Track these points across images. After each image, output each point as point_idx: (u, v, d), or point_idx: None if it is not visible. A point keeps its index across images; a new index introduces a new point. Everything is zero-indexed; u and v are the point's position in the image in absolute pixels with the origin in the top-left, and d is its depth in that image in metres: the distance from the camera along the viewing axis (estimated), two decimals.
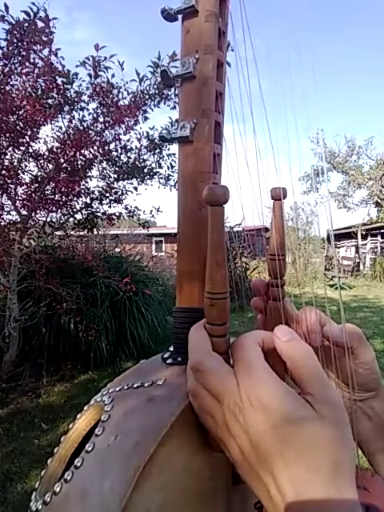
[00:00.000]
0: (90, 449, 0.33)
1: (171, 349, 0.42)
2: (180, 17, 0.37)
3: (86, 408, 0.41)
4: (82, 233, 4.16)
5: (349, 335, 0.37)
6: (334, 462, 0.24)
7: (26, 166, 3.48)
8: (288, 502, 0.24)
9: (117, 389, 0.39)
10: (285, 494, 0.24)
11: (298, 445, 0.25)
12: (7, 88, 2.89)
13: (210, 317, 0.31)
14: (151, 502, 0.30)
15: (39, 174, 3.46)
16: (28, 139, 3.16)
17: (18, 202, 3.32)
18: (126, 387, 0.38)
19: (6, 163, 3.23)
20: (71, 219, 3.97)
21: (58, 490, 0.32)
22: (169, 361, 0.40)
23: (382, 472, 0.37)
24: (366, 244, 14.98)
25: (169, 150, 3.83)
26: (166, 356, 0.41)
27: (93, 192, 3.83)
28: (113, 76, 3.26)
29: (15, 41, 2.69)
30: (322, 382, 0.28)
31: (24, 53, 2.77)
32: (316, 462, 0.24)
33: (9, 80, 2.88)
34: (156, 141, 3.65)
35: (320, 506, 0.23)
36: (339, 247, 17.16)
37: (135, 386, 0.38)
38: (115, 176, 3.81)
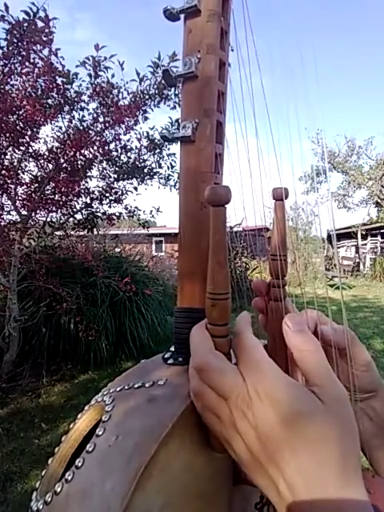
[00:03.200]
0: (91, 449, 0.33)
1: (172, 349, 0.42)
2: (182, 16, 0.37)
3: (86, 408, 0.41)
4: (82, 233, 4.16)
5: (340, 337, 0.36)
6: (343, 454, 0.24)
7: (25, 166, 3.47)
8: (297, 495, 0.24)
9: (118, 389, 0.39)
10: (294, 487, 0.24)
11: (306, 437, 0.25)
12: (7, 88, 2.88)
13: (212, 317, 0.31)
14: (152, 502, 0.30)
15: (39, 174, 3.45)
16: (28, 139, 3.16)
17: (18, 201, 3.31)
18: (126, 387, 0.38)
19: (6, 163, 3.23)
20: (71, 219, 3.96)
21: (59, 490, 0.32)
22: (170, 361, 0.40)
23: (383, 473, 0.37)
24: (365, 244, 14.98)
25: (169, 149, 3.84)
26: (166, 356, 0.41)
27: (93, 192, 3.83)
28: (113, 76, 3.26)
29: (15, 41, 2.68)
30: (328, 375, 0.28)
31: (24, 53, 2.76)
32: (325, 454, 0.24)
33: (9, 80, 2.87)
34: (156, 141, 3.65)
35: (330, 501, 0.23)
36: (339, 247, 17.16)
37: (136, 386, 0.38)
38: (115, 176, 3.81)
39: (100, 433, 0.34)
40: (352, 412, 0.27)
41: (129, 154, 3.78)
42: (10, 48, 2.72)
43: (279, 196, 0.35)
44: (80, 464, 0.32)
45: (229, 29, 0.38)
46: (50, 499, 0.32)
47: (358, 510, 0.23)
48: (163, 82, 0.36)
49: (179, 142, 0.38)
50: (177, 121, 3.38)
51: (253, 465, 0.27)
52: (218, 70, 0.37)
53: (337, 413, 0.26)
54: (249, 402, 0.27)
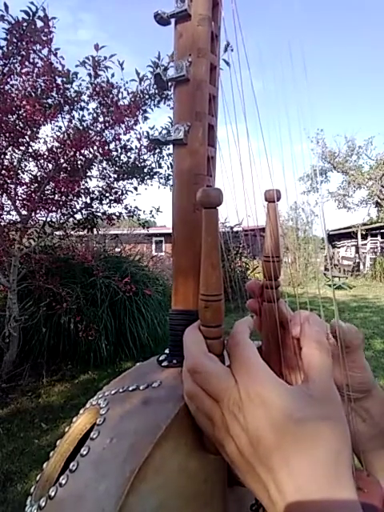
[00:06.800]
0: (85, 452, 0.33)
1: (167, 351, 0.42)
2: (173, 21, 0.37)
3: (81, 411, 0.41)
4: (82, 233, 4.16)
5: (353, 336, 0.37)
6: (335, 457, 0.24)
7: (25, 166, 3.48)
8: (287, 498, 0.24)
9: (112, 392, 0.39)
10: (284, 490, 0.24)
11: (298, 439, 0.25)
12: (7, 88, 2.89)
13: (205, 319, 0.31)
14: (147, 504, 0.30)
15: (39, 173, 3.46)
16: (28, 139, 3.16)
17: (17, 201, 3.32)
18: (121, 390, 0.38)
19: (6, 163, 3.23)
20: (71, 219, 3.97)
21: (53, 494, 0.32)
22: (164, 363, 0.40)
23: (375, 472, 0.37)
24: (366, 244, 14.98)
25: (169, 149, 3.83)
26: (161, 358, 0.41)
27: (93, 192, 3.84)
28: (112, 76, 3.27)
29: (15, 40, 2.68)
30: (328, 377, 0.28)
31: (23, 52, 2.76)
32: (316, 456, 0.24)
33: (9, 80, 2.88)
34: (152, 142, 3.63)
35: (321, 502, 0.23)
36: (339, 247, 17.16)
37: (131, 388, 0.38)
38: (115, 176, 3.81)
39: (94, 436, 0.34)
40: (343, 412, 0.27)
41: (129, 153, 3.78)
42: (10, 48, 2.72)
43: (271, 198, 0.35)
44: (74, 468, 0.32)
45: (219, 32, 0.38)
46: (44, 504, 0.32)
47: (347, 510, 0.23)
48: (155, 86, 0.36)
49: (172, 145, 0.38)
50: None
51: (244, 467, 0.27)
52: (208, 74, 0.37)
53: (328, 413, 0.26)
54: (240, 405, 0.27)
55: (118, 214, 4.03)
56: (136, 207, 4.07)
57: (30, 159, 3.44)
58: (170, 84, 0.37)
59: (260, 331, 0.39)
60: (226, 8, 0.35)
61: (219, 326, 0.31)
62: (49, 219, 3.72)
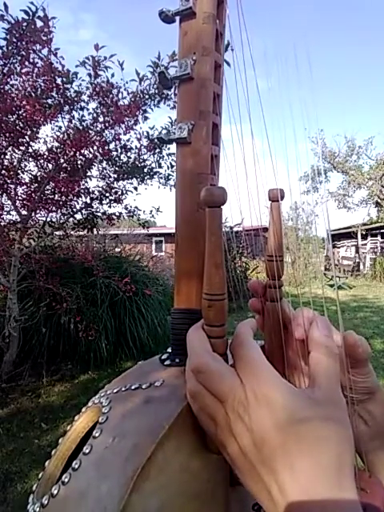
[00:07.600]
0: (87, 451, 0.33)
1: (169, 350, 0.42)
2: (177, 19, 0.37)
3: (83, 410, 0.41)
4: (82, 233, 4.16)
5: (363, 350, 0.37)
6: (338, 459, 0.24)
7: (25, 166, 3.47)
8: (289, 498, 0.24)
9: (114, 390, 0.39)
10: (286, 491, 0.24)
11: (301, 440, 0.25)
12: (7, 88, 2.89)
13: (208, 318, 0.31)
14: (149, 503, 0.30)
15: (39, 173, 3.45)
16: (28, 139, 3.16)
17: (18, 201, 3.31)
18: (123, 389, 0.38)
19: (6, 163, 3.23)
20: (71, 219, 3.96)
21: (55, 492, 0.32)
22: (167, 362, 0.40)
23: (377, 473, 0.37)
24: (366, 244, 14.98)
25: (169, 149, 3.84)
26: (163, 357, 0.41)
27: (93, 192, 3.83)
28: (112, 76, 3.27)
29: (15, 40, 2.68)
30: (335, 382, 0.28)
31: (23, 52, 2.76)
32: (319, 457, 0.24)
33: (9, 80, 2.88)
34: (156, 140, 3.64)
35: (322, 503, 0.23)
36: (339, 247, 17.16)
37: (133, 387, 0.38)
38: (115, 176, 3.81)
39: (97, 434, 0.34)
40: (347, 416, 0.27)
41: (129, 153, 3.78)
42: (10, 48, 2.71)
43: (275, 197, 0.35)
44: (77, 466, 0.32)
45: (224, 31, 0.38)
46: (46, 502, 0.32)
47: (348, 511, 0.23)
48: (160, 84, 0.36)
49: (175, 144, 0.38)
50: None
51: (246, 468, 0.27)
52: (213, 72, 0.37)
53: (331, 415, 0.26)
54: (246, 405, 0.27)
55: (118, 213, 4.03)
56: (136, 207, 4.07)
57: (30, 159, 3.44)
58: (173, 82, 0.37)
59: (263, 331, 0.39)
60: (230, 6, 0.35)
61: (223, 325, 0.31)
62: (49, 219, 3.72)
